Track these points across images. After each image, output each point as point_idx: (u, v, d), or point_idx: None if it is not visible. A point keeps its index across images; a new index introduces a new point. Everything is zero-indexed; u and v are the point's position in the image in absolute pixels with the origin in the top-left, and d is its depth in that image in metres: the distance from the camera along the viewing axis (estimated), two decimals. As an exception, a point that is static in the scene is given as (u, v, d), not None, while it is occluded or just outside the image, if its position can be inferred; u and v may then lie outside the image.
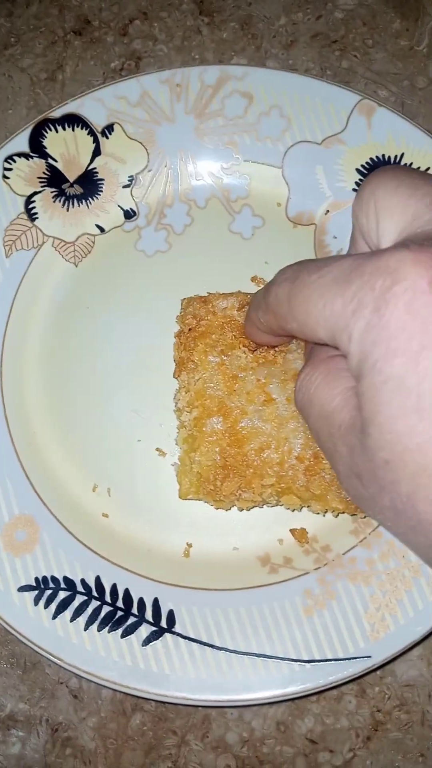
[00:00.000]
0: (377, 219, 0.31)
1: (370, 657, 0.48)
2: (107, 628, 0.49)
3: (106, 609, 0.50)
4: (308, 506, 0.47)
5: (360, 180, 0.56)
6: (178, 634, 0.49)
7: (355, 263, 0.28)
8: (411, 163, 0.55)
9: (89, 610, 0.50)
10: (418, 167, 0.55)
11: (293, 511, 0.49)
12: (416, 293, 0.26)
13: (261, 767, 0.52)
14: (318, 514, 0.50)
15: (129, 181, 0.57)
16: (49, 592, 0.50)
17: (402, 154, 0.55)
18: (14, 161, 0.56)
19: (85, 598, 0.50)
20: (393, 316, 0.26)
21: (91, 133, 0.56)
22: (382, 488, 0.28)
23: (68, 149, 0.56)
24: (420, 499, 0.26)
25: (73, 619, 0.49)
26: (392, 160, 0.55)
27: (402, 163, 0.55)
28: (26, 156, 0.56)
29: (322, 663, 0.48)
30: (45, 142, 0.56)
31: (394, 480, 0.27)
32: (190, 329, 0.48)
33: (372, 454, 0.27)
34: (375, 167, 0.55)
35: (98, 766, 0.53)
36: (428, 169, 0.54)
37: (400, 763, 0.52)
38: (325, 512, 0.49)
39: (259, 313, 0.37)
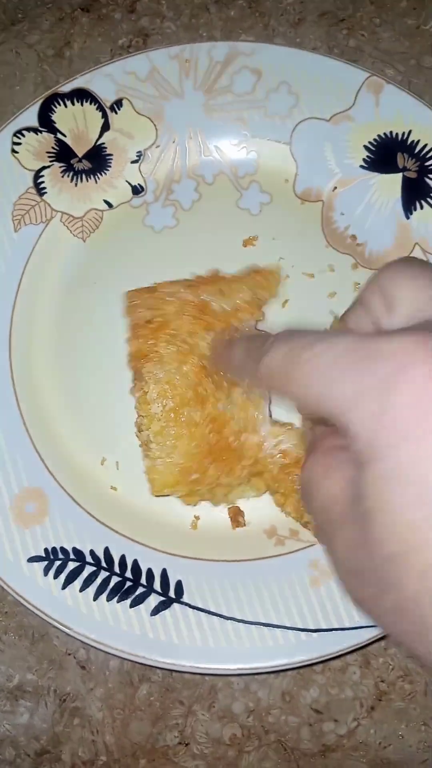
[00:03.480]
0: (391, 305, 0.30)
1: (375, 626, 0.48)
2: (116, 598, 0.50)
3: (115, 579, 0.50)
4: (271, 495, 0.47)
5: (368, 157, 0.56)
6: (187, 604, 0.50)
7: (359, 344, 0.27)
8: (418, 141, 0.55)
9: (98, 580, 0.50)
10: (425, 144, 0.55)
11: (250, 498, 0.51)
12: (425, 379, 0.25)
13: (266, 736, 0.53)
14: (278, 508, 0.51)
15: (137, 156, 0.57)
16: (58, 562, 0.50)
17: (410, 131, 0.55)
18: (23, 136, 0.56)
19: (94, 568, 0.50)
20: (400, 402, 0.25)
21: (100, 108, 0.56)
22: (385, 588, 0.25)
23: (77, 124, 0.56)
24: (428, 602, 0.24)
25: (82, 589, 0.50)
26: (400, 137, 0.55)
27: (409, 140, 0.55)
28: (35, 130, 0.56)
29: (328, 632, 0.49)
30: (54, 117, 0.56)
31: (400, 578, 0.25)
32: (147, 321, 0.48)
33: (376, 548, 0.25)
34: (382, 144, 0.56)
35: (105, 735, 0.53)
36: (436, 146, 0.55)
37: (403, 732, 0.53)
38: (282, 509, 0.50)
39: (248, 358, 0.35)
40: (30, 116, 0.56)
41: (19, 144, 0.56)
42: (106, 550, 0.51)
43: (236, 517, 0.52)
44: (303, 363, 0.29)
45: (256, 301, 0.51)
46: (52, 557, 0.50)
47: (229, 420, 0.46)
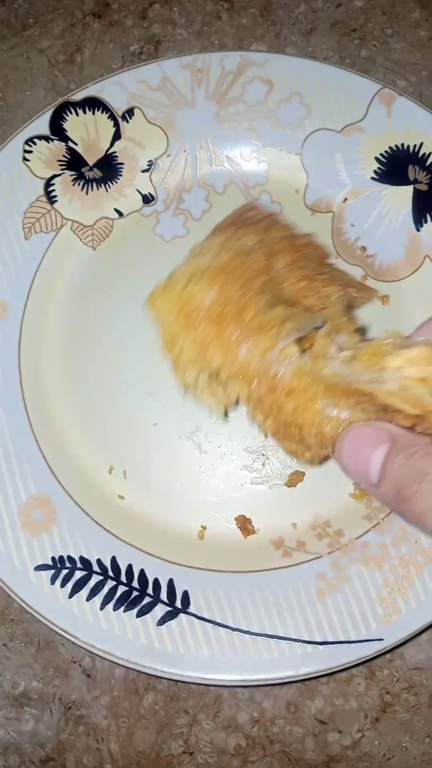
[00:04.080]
0: None
1: (381, 639, 0.48)
2: (123, 608, 0.50)
3: (121, 589, 0.50)
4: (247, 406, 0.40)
5: (379, 168, 0.56)
6: (193, 615, 0.50)
7: None
8: (429, 153, 0.55)
9: (105, 589, 0.50)
10: (437, 157, 0.55)
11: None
12: None
13: (271, 747, 0.53)
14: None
15: (148, 165, 0.57)
16: (65, 571, 0.50)
17: (421, 144, 0.55)
18: (35, 144, 0.56)
19: (101, 577, 0.51)
20: None
21: (112, 116, 0.56)
22: None
23: (88, 133, 0.56)
24: None
25: (89, 598, 0.50)
26: (411, 149, 0.55)
27: (420, 152, 0.55)
28: (47, 139, 0.56)
29: (334, 645, 0.49)
30: (65, 125, 0.56)
31: None
32: (242, 214, 0.46)
33: None
34: (394, 156, 0.56)
35: (110, 744, 0.54)
36: (447, 159, 0.55)
37: (407, 744, 0.53)
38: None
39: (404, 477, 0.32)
40: (41, 124, 0.56)
41: (30, 152, 0.56)
42: (113, 560, 0.51)
43: (245, 525, 0.52)
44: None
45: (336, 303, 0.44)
46: (59, 566, 0.50)
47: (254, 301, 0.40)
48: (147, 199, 0.58)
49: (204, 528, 0.53)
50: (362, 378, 0.33)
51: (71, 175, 0.56)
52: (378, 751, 0.53)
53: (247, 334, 0.38)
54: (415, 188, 0.56)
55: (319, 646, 0.49)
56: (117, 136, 0.57)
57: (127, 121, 0.57)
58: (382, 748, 0.53)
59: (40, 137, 0.56)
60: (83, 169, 0.57)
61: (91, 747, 0.54)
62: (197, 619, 0.50)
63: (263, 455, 0.54)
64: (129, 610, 0.50)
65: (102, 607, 0.50)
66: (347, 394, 0.34)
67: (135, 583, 0.51)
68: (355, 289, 0.48)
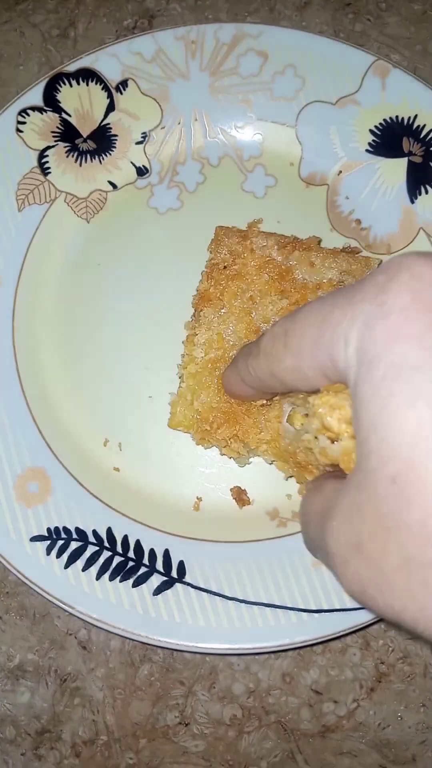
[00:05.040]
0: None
1: (377, 607, 0.48)
2: (119, 578, 0.50)
3: (117, 559, 0.50)
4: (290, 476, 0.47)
5: (373, 141, 0.56)
6: (189, 584, 0.50)
7: (354, 285, 0.27)
8: (424, 126, 0.55)
9: (101, 560, 0.50)
10: (431, 129, 0.55)
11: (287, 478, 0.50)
12: (420, 279, 0.24)
13: (266, 717, 0.53)
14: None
15: (142, 137, 0.57)
16: (61, 542, 0.50)
17: (416, 116, 0.55)
18: (28, 115, 0.55)
19: (97, 548, 0.50)
20: (395, 303, 0.24)
21: (106, 88, 0.56)
22: (388, 532, 0.24)
23: (82, 104, 0.56)
24: None
25: (84, 568, 0.50)
26: (406, 121, 0.55)
27: (415, 124, 0.55)
28: (40, 110, 0.56)
29: (329, 613, 0.49)
30: (59, 97, 0.56)
31: (405, 504, 0.23)
32: (225, 266, 0.49)
33: (373, 479, 0.24)
34: (388, 128, 0.56)
35: (106, 715, 0.54)
36: (442, 130, 0.55)
37: (402, 713, 0.53)
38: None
39: (249, 360, 0.34)
40: (35, 95, 0.56)
41: (23, 123, 0.55)
42: (109, 530, 0.51)
43: (240, 496, 0.52)
44: (302, 316, 0.29)
45: (340, 285, 0.50)
46: (54, 537, 0.50)
47: None
48: (141, 172, 0.57)
49: (199, 499, 0.53)
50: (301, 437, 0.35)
51: (65, 147, 0.56)
52: (373, 721, 0.53)
53: (255, 417, 0.46)
54: (409, 161, 0.56)
55: (314, 614, 0.49)
56: (111, 107, 0.56)
57: (121, 93, 0.56)
58: (377, 717, 0.53)
59: (33, 108, 0.56)
60: (77, 141, 0.56)
61: (86, 719, 0.54)
62: (193, 589, 0.50)
63: (258, 427, 0.54)
64: (125, 580, 0.50)
65: (98, 578, 0.50)
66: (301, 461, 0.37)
67: (131, 554, 0.51)
68: (353, 267, 0.49)
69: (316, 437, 0.32)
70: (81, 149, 0.56)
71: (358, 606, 0.49)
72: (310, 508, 0.30)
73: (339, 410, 0.29)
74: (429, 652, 0.54)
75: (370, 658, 0.54)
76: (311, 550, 0.32)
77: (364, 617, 0.49)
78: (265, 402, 0.44)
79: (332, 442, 0.30)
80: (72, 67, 0.56)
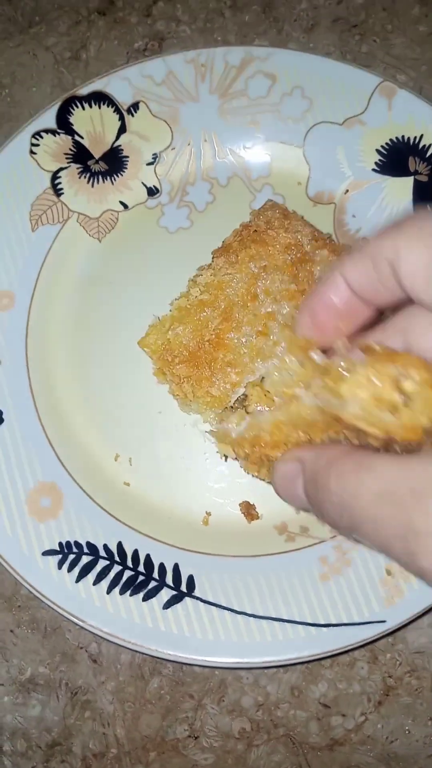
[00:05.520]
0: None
1: (384, 621, 0.49)
2: (129, 592, 0.51)
3: (127, 573, 0.51)
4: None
5: (380, 160, 0.57)
6: (198, 598, 0.51)
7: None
8: (430, 145, 0.56)
9: (111, 574, 0.51)
10: (437, 149, 0.56)
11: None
12: None
13: (275, 730, 0.54)
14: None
15: (153, 158, 0.58)
16: (72, 556, 0.51)
17: (421, 135, 0.56)
18: (41, 137, 0.57)
19: (108, 562, 0.51)
20: None
21: (117, 110, 0.58)
22: None
23: (94, 126, 0.57)
24: None
25: (95, 582, 0.51)
26: (411, 141, 0.56)
27: (420, 144, 0.56)
28: (53, 132, 0.57)
29: (337, 627, 0.49)
30: (72, 119, 0.57)
31: None
32: (255, 230, 0.51)
33: None
34: (394, 148, 0.57)
35: (116, 728, 0.54)
36: (447, 150, 0.56)
37: (410, 727, 0.54)
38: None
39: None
40: (48, 118, 0.57)
41: (37, 145, 0.57)
42: (119, 545, 0.52)
43: (249, 511, 0.53)
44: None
45: None
46: (66, 551, 0.51)
47: (229, 350, 0.49)
48: (152, 192, 0.59)
49: (209, 514, 0.54)
50: (331, 404, 0.33)
51: (77, 168, 0.57)
52: (381, 735, 0.54)
53: (215, 372, 0.48)
54: (415, 179, 0.56)
55: (322, 628, 0.50)
56: (122, 129, 0.58)
57: (132, 115, 0.58)
58: (385, 731, 0.54)
59: (46, 131, 0.57)
60: (89, 162, 0.58)
61: (97, 732, 0.54)
62: (202, 603, 0.50)
63: (267, 442, 0.55)
64: (135, 594, 0.51)
65: (109, 591, 0.50)
66: (324, 426, 0.35)
67: (141, 568, 0.51)
68: None
69: (363, 409, 0.30)
70: (93, 170, 0.58)
71: (366, 620, 0.49)
72: (360, 490, 0.28)
73: (394, 380, 0.29)
74: (437, 666, 0.55)
75: (378, 672, 0.55)
76: (347, 534, 0.30)
77: (371, 631, 0.49)
78: (231, 358, 0.47)
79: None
80: (84, 91, 0.57)
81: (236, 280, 0.51)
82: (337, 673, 0.55)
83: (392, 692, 0.54)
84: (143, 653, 0.51)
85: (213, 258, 0.53)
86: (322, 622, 0.50)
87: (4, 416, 0.53)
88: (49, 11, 0.66)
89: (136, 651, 0.51)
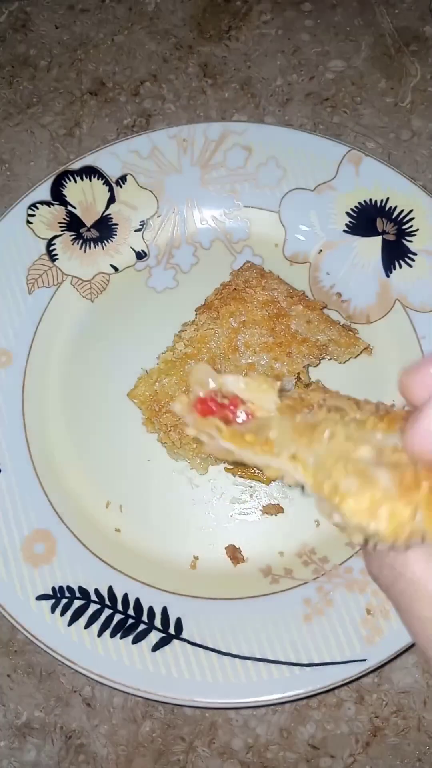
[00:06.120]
0: None
1: (365, 660, 0.51)
2: (119, 635, 0.53)
3: (118, 617, 0.53)
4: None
5: (350, 222, 0.61)
6: (186, 641, 0.52)
7: None
8: (395, 207, 0.61)
9: (102, 617, 0.53)
10: (402, 209, 0.60)
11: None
12: None
13: (265, 773, 0.55)
14: None
15: (140, 225, 0.63)
16: (65, 600, 0.53)
17: (387, 198, 0.61)
18: (37, 208, 0.62)
19: (99, 606, 0.54)
20: None
21: (107, 183, 0.63)
22: None
23: (86, 197, 0.62)
24: None
25: (87, 626, 0.53)
26: (378, 203, 0.61)
27: (387, 206, 0.61)
28: (48, 204, 0.62)
29: (320, 666, 0.51)
30: (65, 191, 0.62)
31: None
32: (235, 288, 0.56)
33: None
34: (363, 210, 0.61)
35: (110, 772, 0.55)
36: (411, 211, 0.60)
37: (397, 768, 0.55)
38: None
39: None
40: (43, 191, 0.62)
41: (33, 216, 0.61)
42: (110, 589, 0.54)
43: (234, 554, 0.56)
44: None
45: (323, 350, 0.56)
46: (58, 595, 0.54)
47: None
48: (140, 256, 0.63)
49: (196, 558, 0.56)
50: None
51: (71, 236, 0.62)
52: (370, 776, 0.55)
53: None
54: (383, 239, 0.61)
55: (306, 667, 0.51)
56: (112, 200, 0.63)
57: (121, 187, 0.63)
58: (373, 772, 0.55)
59: (42, 202, 0.62)
60: (81, 230, 0.62)
61: (91, 776, 0.55)
62: (190, 645, 0.52)
63: (251, 487, 0.58)
64: (125, 636, 0.53)
65: (99, 635, 0.53)
66: None
67: (130, 611, 0.54)
68: (342, 340, 0.55)
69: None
70: (85, 237, 0.62)
71: (348, 659, 0.51)
72: None
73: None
74: (422, 705, 0.56)
75: (365, 712, 0.56)
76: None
77: (354, 669, 0.51)
78: None
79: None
80: (76, 165, 0.62)
81: (218, 335, 0.56)
82: (325, 714, 0.56)
83: (380, 733, 0.55)
84: (134, 695, 0.52)
85: (196, 314, 0.58)
86: (306, 662, 0.51)
87: (1, 467, 0.57)
88: (45, 93, 0.72)
89: (127, 693, 0.52)
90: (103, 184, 0.62)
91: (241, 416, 0.28)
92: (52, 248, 0.62)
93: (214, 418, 0.28)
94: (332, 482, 0.25)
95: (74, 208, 0.62)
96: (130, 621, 0.53)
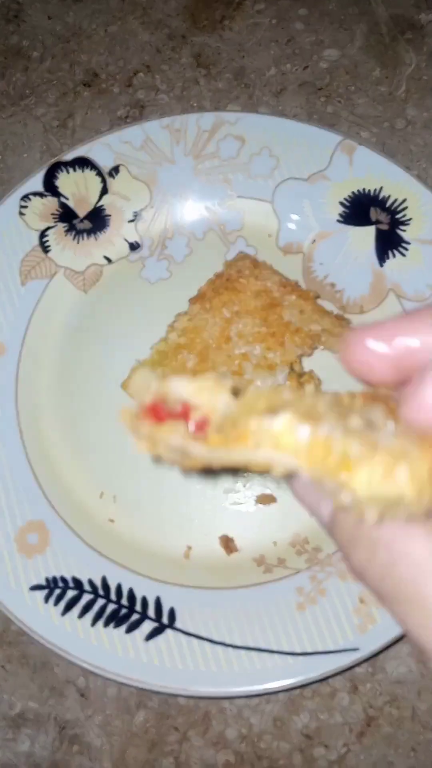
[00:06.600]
0: None
1: (358, 649, 0.51)
2: (112, 625, 0.53)
3: (111, 607, 0.53)
4: None
5: (343, 212, 0.61)
6: (179, 630, 0.53)
7: None
8: (389, 196, 0.60)
9: (96, 607, 0.53)
10: (395, 199, 0.60)
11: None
12: None
13: (259, 762, 0.55)
14: None
15: (133, 216, 0.63)
16: (58, 591, 0.54)
17: (381, 188, 0.60)
18: (30, 200, 0.62)
19: (92, 596, 0.54)
20: None
21: (99, 174, 0.62)
22: None
23: (78, 189, 0.62)
24: None
25: (80, 616, 0.53)
26: (372, 193, 0.61)
27: (380, 195, 0.60)
28: (40, 195, 0.62)
29: (313, 655, 0.51)
30: (57, 183, 0.62)
31: None
32: (228, 279, 0.56)
33: None
34: (356, 200, 0.61)
35: (104, 762, 0.56)
36: (404, 200, 0.60)
37: (392, 758, 0.55)
38: None
39: None
40: (36, 182, 0.62)
41: (26, 207, 0.61)
42: (103, 579, 0.54)
43: (228, 544, 0.56)
44: None
45: (316, 340, 0.56)
46: (52, 586, 0.54)
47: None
48: (133, 247, 0.63)
49: (190, 548, 0.56)
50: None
51: (63, 227, 0.62)
52: (364, 766, 0.55)
53: None
54: (377, 228, 0.60)
55: (299, 656, 0.51)
56: (104, 191, 0.62)
57: (114, 177, 0.62)
58: (367, 762, 0.55)
59: (34, 194, 0.62)
60: (74, 221, 0.62)
61: (84, 766, 0.55)
62: (183, 634, 0.52)
63: (244, 477, 0.58)
64: (118, 626, 0.53)
65: (93, 624, 0.53)
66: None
67: (124, 601, 0.54)
68: (335, 330, 0.55)
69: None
70: (78, 228, 0.62)
71: (341, 648, 0.51)
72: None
73: None
74: (416, 695, 0.56)
75: (359, 702, 0.56)
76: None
77: (347, 658, 0.51)
78: None
79: None
80: (69, 156, 0.62)
81: (211, 325, 0.55)
82: (319, 704, 0.56)
83: (373, 723, 0.55)
84: (128, 685, 0.53)
85: (189, 305, 0.58)
86: (299, 651, 0.51)
87: (-6, 458, 0.57)
88: (38, 84, 0.72)
89: (121, 683, 0.52)
90: (96, 175, 0.62)
91: (192, 426, 0.24)
92: (45, 239, 0.61)
93: (173, 421, 0.24)
94: (338, 453, 0.22)
95: (67, 199, 0.62)
96: (124, 611, 0.53)
